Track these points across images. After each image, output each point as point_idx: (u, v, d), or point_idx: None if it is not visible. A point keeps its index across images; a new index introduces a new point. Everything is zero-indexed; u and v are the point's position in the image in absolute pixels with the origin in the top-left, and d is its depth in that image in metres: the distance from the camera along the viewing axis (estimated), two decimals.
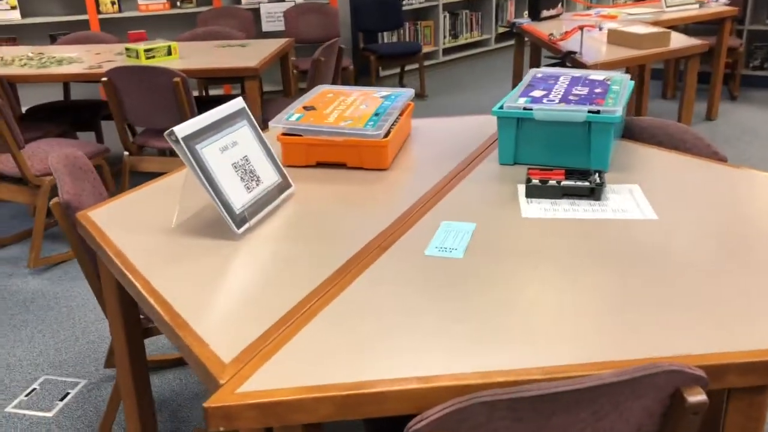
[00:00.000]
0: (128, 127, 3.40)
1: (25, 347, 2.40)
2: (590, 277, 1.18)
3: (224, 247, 1.35)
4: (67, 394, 2.12)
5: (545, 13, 4.40)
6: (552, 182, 1.53)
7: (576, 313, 1.08)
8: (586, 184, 1.51)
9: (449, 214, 1.46)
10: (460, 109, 5.56)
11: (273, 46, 3.86)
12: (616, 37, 3.52)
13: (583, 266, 1.22)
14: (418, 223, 1.43)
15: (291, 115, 1.82)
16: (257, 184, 1.48)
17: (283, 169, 1.59)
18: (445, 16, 7.21)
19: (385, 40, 6.49)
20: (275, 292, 1.17)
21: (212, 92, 5.62)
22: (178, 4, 5.65)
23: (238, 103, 1.55)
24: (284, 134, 1.77)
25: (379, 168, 1.75)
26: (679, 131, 1.85)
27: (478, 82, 6.54)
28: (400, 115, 1.92)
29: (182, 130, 1.34)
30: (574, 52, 3.12)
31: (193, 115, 3.15)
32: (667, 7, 4.72)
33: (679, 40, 3.68)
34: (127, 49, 3.57)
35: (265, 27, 5.79)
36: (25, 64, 3.57)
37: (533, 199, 1.52)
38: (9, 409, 2.06)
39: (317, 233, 1.39)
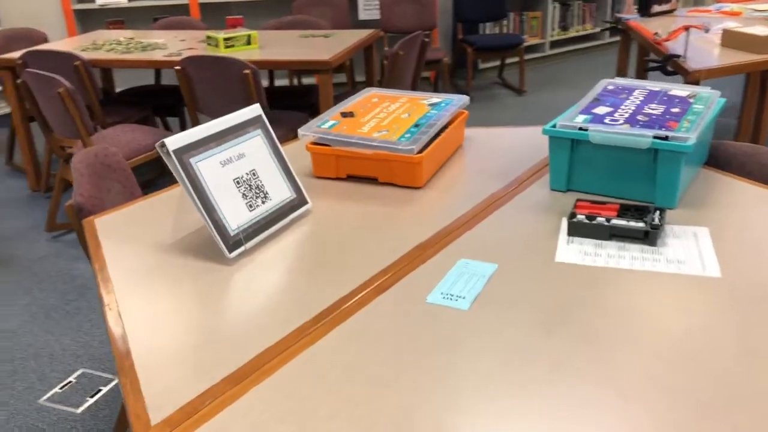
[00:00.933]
0: None
1: (72, 336, 2.42)
2: (613, 361, 0.96)
3: (213, 273, 1.23)
4: (99, 390, 2.10)
5: (656, 8, 4.01)
6: (600, 219, 1.30)
7: (574, 415, 0.87)
8: (641, 225, 1.27)
9: (473, 249, 1.27)
10: (559, 108, 5.23)
11: (356, 37, 3.73)
12: (730, 39, 3.12)
13: (607, 340, 1.00)
14: (434, 257, 1.25)
15: (325, 122, 1.68)
16: (263, 202, 1.35)
17: (300, 184, 1.45)
18: (554, 7, 6.82)
19: (487, 31, 6.22)
20: (240, 337, 1.03)
21: (305, 81, 5.59)
22: None
23: (254, 110, 1.42)
24: (314, 143, 1.63)
25: (412, 186, 1.58)
26: None
27: (584, 79, 6.14)
28: (449, 125, 1.74)
29: (175, 141, 1.23)
30: (678, 56, 2.78)
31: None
32: None
33: None
34: (208, 37, 3.55)
35: (362, 15, 5.68)
36: (111, 49, 3.63)
37: (575, 239, 1.30)
38: (42, 401, 2.07)
39: (318, 262, 1.24)
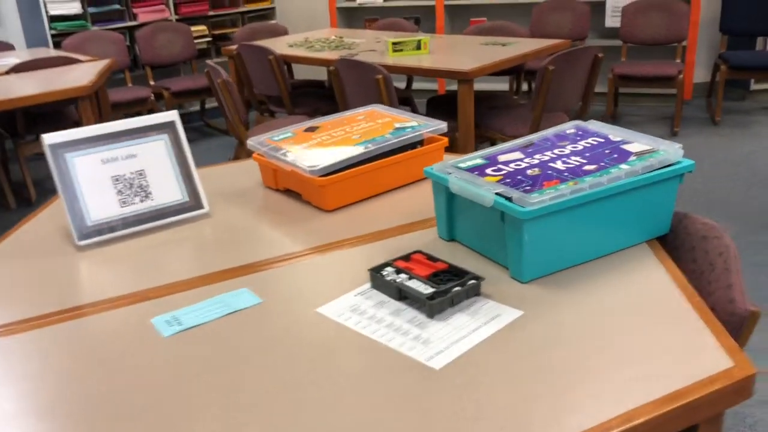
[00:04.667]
0: None
1: None
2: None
3: (60, 256, 1.40)
4: None
5: None
6: (402, 277, 1.16)
7: None
8: (428, 290, 1.11)
9: (270, 281, 1.24)
10: None
11: (533, 47, 3.55)
12: None
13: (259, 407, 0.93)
14: (234, 279, 1.25)
15: (282, 134, 1.72)
16: (142, 200, 1.47)
17: (200, 189, 1.54)
18: None
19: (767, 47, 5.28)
20: None
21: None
22: None
23: (167, 116, 1.54)
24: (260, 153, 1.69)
25: (322, 208, 1.55)
26: (718, 247, 1.17)
27: None
28: (405, 150, 1.64)
29: (54, 137, 1.42)
30: None
31: None
32: None
33: None
34: (388, 41, 3.70)
35: (609, 22, 5.27)
36: (311, 46, 4.00)
37: (374, 292, 1.18)
38: None
39: (139, 264, 1.33)
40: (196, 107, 5.72)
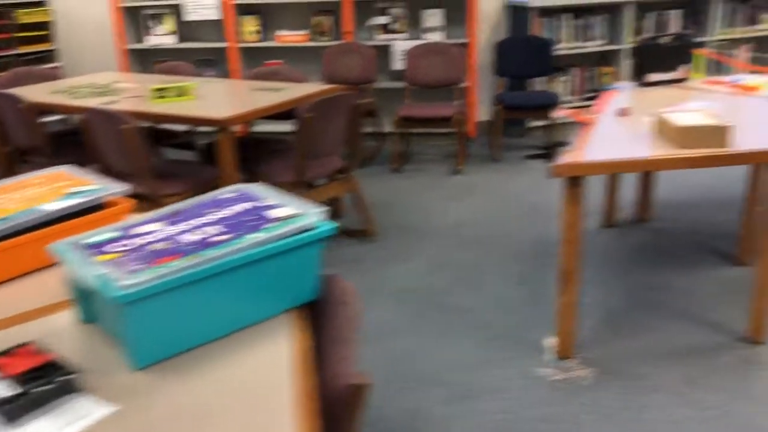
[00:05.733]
0: None
1: None
2: None
3: None
4: None
5: (654, 77, 3.41)
6: None
7: None
8: (9, 393, 0.98)
9: None
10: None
11: (303, 91, 3.56)
12: (660, 128, 2.51)
13: None
14: None
15: None
16: None
17: None
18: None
19: (536, 88, 5.70)
20: None
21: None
22: (316, 37, 5.59)
23: None
24: None
25: None
26: (348, 314, 1.16)
27: None
28: (68, 219, 1.50)
29: None
30: (564, 143, 2.29)
31: (146, 163, 3.00)
32: None
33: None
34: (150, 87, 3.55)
35: (396, 65, 5.46)
36: (74, 93, 3.76)
37: None
38: None
39: None
40: None
